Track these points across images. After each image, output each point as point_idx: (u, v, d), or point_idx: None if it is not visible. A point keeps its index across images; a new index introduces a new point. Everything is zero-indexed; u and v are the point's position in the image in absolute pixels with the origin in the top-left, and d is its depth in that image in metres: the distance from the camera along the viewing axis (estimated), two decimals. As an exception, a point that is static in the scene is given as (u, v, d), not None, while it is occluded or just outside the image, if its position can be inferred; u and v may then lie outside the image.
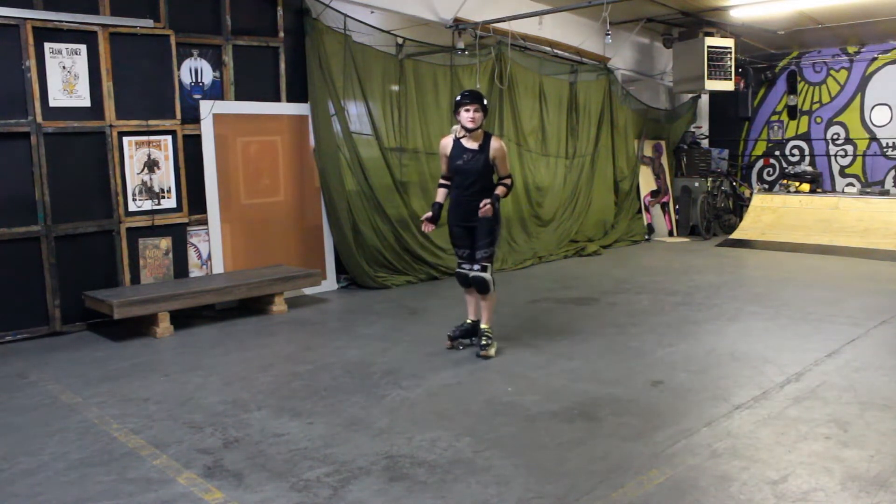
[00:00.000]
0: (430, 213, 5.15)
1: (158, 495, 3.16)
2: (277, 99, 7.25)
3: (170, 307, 5.84)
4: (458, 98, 4.98)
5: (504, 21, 8.35)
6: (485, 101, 4.99)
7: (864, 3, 8.92)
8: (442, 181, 5.26)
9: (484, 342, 5.12)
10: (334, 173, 7.41)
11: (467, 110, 4.90)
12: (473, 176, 5.00)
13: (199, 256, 6.78)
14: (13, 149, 5.75)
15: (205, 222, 6.77)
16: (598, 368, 4.83)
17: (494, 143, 5.02)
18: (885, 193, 10.55)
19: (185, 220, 6.64)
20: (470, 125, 4.92)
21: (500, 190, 5.05)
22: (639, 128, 11.42)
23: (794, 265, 8.71)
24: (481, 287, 5.11)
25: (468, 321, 5.33)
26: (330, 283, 7.59)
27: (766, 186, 12.08)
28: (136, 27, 6.23)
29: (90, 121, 6.08)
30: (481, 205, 4.87)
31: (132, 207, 6.34)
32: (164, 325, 5.85)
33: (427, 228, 5.17)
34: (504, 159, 5.06)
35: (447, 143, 5.12)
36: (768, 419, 3.87)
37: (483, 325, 5.19)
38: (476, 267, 5.08)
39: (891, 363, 4.80)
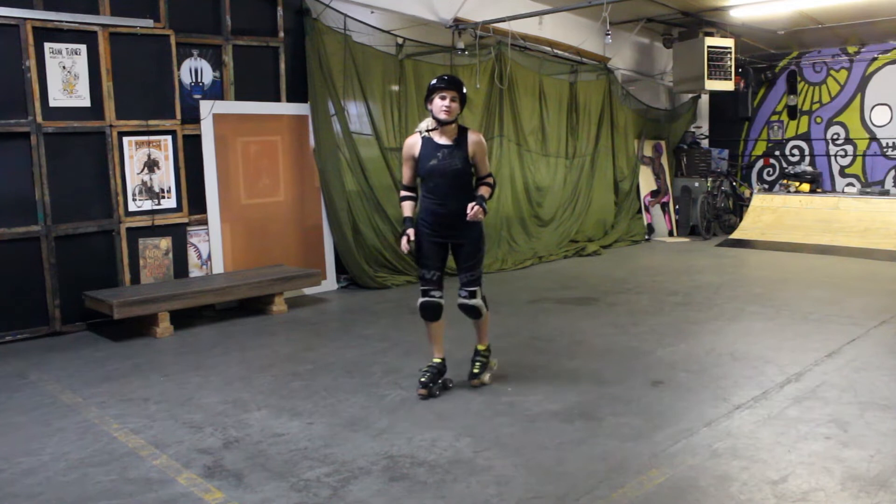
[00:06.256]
0: (409, 233, 4.20)
1: (158, 495, 3.16)
2: (277, 99, 7.25)
3: (170, 307, 5.84)
4: (434, 81, 4.12)
5: (504, 21, 8.35)
6: (464, 90, 4.19)
7: (864, 3, 8.93)
8: (406, 193, 4.34)
9: (476, 370, 4.40)
10: (334, 173, 7.42)
11: (443, 98, 4.09)
12: (452, 177, 4.14)
13: (199, 256, 6.78)
14: (13, 149, 5.75)
15: (205, 222, 6.77)
16: (598, 368, 4.83)
17: (473, 137, 4.20)
18: (885, 193, 10.56)
19: (185, 220, 6.64)
20: (444, 116, 4.09)
21: (483, 190, 4.21)
22: (639, 128, 11.42)
23: (794, 265, 8.71)
24: (474, 314, 4.36)
25: (435, 360, 4.42)
26: (330, 283, 7.58)
27: (766, 186, 12.09)
28: (136, 27, 6.23)
29: (90, 121, 6.08)
30: (469, 207, 4.06)
31: (132, 207, 6.34)
32: (164, 325, 5.84)
33: (406, 248, 4.22)
34: (484, 156, 4.25)
35: (414, 143, 4.22)
36: (768, 419, 3.86)
37: (479, 346, 4.48)
38: (463, 293, 4.28)
39: (891, 363, 4.79)
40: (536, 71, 9.63)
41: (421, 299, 4.33)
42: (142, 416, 4.11)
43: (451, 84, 4.12)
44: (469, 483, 3.21)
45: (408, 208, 4.31)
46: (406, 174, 4.34)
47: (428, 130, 4.19)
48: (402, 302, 7.04)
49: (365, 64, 7.67)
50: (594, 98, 10.57)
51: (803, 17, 9.90)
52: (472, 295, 4.28)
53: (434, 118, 4.18)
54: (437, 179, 4.16)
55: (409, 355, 5.20)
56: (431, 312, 4.33)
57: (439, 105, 4.11)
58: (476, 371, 4.42)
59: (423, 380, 4.32)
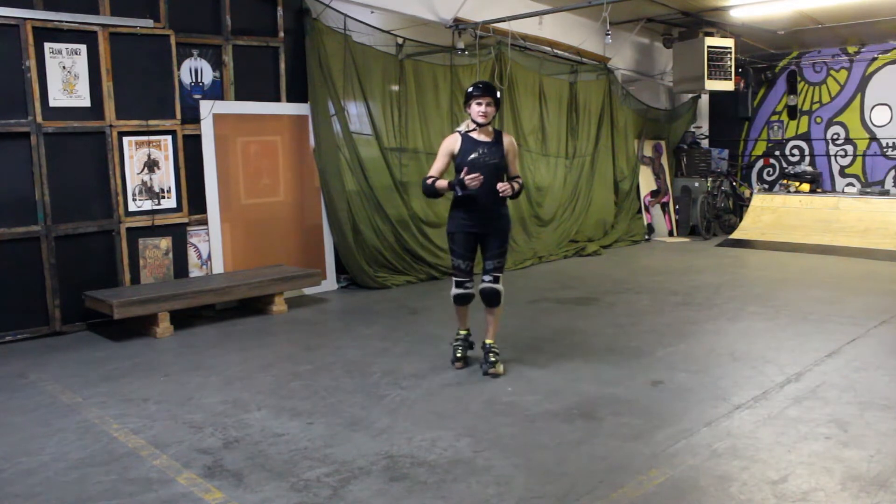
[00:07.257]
0: (477, 175, 4.45)
1: (158, 495, 3.16)
2: (277, 99, 7.25)
3: (170, 307, 5.84)
4: (471, 90, 4.62)
5: (504, 21, 8.35)
6: (498, 95, 4.67)
7: (864, 3, 8.92)
8: (434, 178, 4.72)
9: (492, 358, 4.74)
10: (334, 173, 7.42)
11: (479, 104, 4.59)
12: (492, 170, 4.58)
13: (199, 256, 6.78)
14: (13, 149, 5.75)
15: (205, 222, 6.77)
16: (598, 368, 4.83)
17: (507, 139, 4.75)
18: (885, 193, 10.56)
19: (185, 220, 6.64)
20: (481, 119, 4.59)
21: (515, 184, 4.70)
22: (639, 128, 11.42)
23: (794, 265, 8.71)
24: (494, 300, 4.75)
25: (462, 332, 4.96)
26: (330, 283, 7.58)
27: (766, 186, 12.08)
28: (136, 27, 6.23)
29: (90, 121, 6.08)
30: (500, 187, 4.52)
31: (132, 207, 6.34)
32: (164, 325, 5.84)
33: (476, 180, 4.46)
34: (516, 157, 4.77)
35: (454, 140, 4.70)
36: (768, 419, 3.87)
37: (489, 341, 4.81)
38: (487, 278, 4.69)
39: (891, 363, 4.80)
40: (536, 71, 9.62)
41: (456, 290, 4.80)
42: (142, 416, 4.11)
43: (487, 91, 4.62)
44: (469, 483, 3.21)
45: (442, 181, 4.69)
46: (438, 167, 4.74)
47: (468, 131, 4.69)
48: (402, 302, 7.04)
49: (365, 64, 7.66)
50: (594, 98, 10.57)
51: (803, 17, 9.90)
52: (496, 280, 4.72)
53: (473, 120, 4.66)
54: (478, 171, 4.54)
55: (409, 355, 5.21)
56: (465, 300, 4.84)
57: (477, 110, 4.61)
58: (492, 360, 4.74)
59: (458, 354, 4.90)
